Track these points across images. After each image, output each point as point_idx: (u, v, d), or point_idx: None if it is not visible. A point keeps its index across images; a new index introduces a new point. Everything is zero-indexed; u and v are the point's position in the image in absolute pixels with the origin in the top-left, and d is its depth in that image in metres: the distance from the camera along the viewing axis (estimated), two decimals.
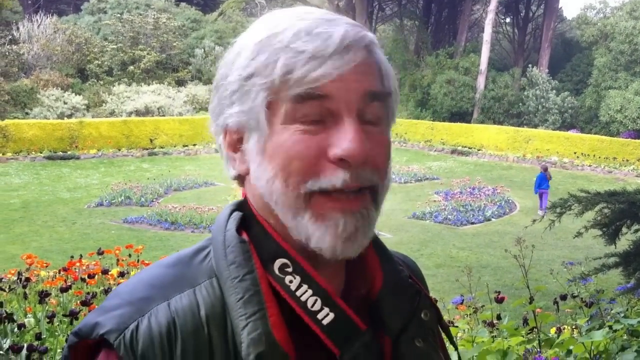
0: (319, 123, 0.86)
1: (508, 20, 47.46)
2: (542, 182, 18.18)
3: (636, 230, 3.48)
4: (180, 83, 36.15)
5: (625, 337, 3.33)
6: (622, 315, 3.71)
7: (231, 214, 0.94)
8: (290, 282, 0.88)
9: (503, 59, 44.33)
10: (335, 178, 0.85)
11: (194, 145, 28.77)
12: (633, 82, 32.20)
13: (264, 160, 0.87)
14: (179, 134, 29.04)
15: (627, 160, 26.31)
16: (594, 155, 26.97)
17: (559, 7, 42.55)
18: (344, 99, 0.86)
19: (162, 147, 28.36)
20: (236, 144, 0.91)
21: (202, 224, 15.30)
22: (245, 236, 0.90)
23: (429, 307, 0.99)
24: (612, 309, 4.01)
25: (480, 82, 36.33)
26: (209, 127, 0.97)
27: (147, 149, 28.04)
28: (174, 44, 37.36)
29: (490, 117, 35.69)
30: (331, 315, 0.87)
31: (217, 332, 0.85)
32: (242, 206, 0.96)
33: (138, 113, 31.30)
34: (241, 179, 0.95)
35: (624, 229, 3.40)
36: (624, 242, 3.87)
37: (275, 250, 0.89)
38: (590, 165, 26.44)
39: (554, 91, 34.82)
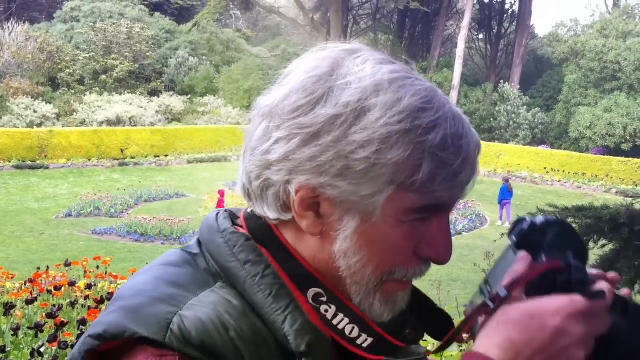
0: (422, 221, 0.87)
1: (481, 36, 48.05)
2: (504, 193, 18.63)
3: (603, 246, 3.51)
4: (153, 93, 35.91)
5: None
6: None
7: (218, 215, 0.95)
8: (326, 311, 0.89)
9: (475, 74, 44.81)
10: (418, 271, 0.89)
11: (166, 156, 28.53)
12: (602, 99, 32.73)
13: (360, 241, 0.86)
14: (151, 145, 28.78)
15: (596, 176, 26.68)
16: (564, 171, 27.31)
17: (531, 24, 43.19)
18: (451, 207, 0.90)
19: (133, 158, 28.10)
20: (311, 205, 0.86)
21: (172, 236, 15.14)
22: (242, 230, 0.91)
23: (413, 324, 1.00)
24: None
25: (453, 97, 36.64)
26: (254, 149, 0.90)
27: (117, 159, 27.75)
28: (147, 53, 37.11)
29: None
30: (370, 340, 0.89)
31: (259, 321, 0.84)
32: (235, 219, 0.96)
33: (109, 123, 30.97)
34: (281, 221, 0.91)
35: (591, 244, 3.43)
36: (591, 257, 3.91)
37: (308, 279, 0.89)
38: (559, 181, 26.77)
39: (525, 107, 35.25)
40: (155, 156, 28.49)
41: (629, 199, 3.74)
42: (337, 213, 0.86)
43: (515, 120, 34.82)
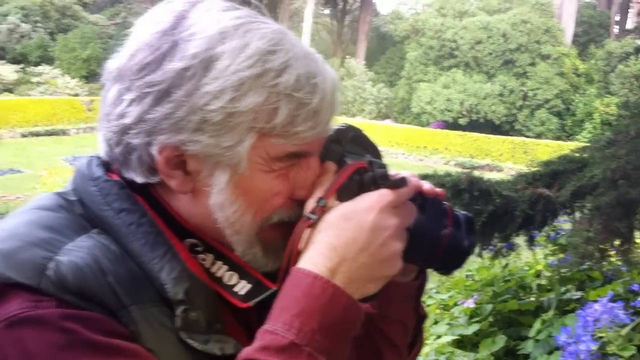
0: (293, 165, 0.89)
1: (327, 11, 48.75)
2: None
3: None
4: None
5: (437, 311, 3.47)
6: (434, 291, 3.87)
7: (90, 162, 0.92)
8: (204, 260, 0.90)
9: (323, 49, 45.46)
10: (293, 213, 0.90)
11: None
12: (441, 76, 34.35)
13: (235, 193, 0.87)
14: None
15: (436, 149, 28.08)
16: (407, 144, 28.49)
17: (374, 1, 44.44)
18: (319, 145, 0.92)
19: None
20: (177, 164, 0.86)
21: (7, 214, 14.12)
22: (115, 177, 0.89)
23: None
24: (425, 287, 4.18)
25: None
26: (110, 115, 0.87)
27: None
28: None
29: None
30: (248, 286, 0.90)
31: (137, 268, 0.84)
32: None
33: None
34: (149, 184, 0.89)
35: None
36: None
37: (183, 233, 0.89)
38: (403, 154, 27.89)
39: (370, 82, 36.28)
40: None
41: (467, 170, 3.89)
42: (205, 169, 0.84)
43: (361, 95, 35.75)
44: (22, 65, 32.49)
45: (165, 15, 0.86)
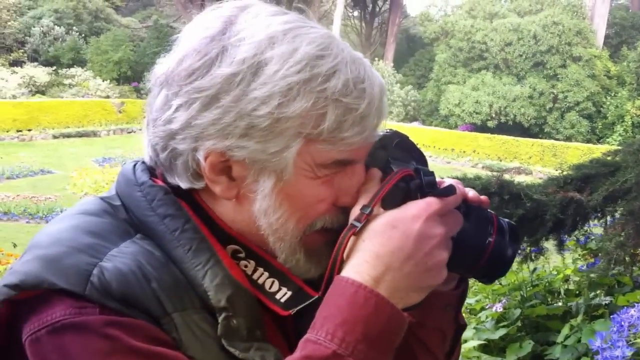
0: (338, 172, 0.88)
1: (356, 13, 48.74)
2: None
3: None
4: (15, 64, 33.68)
5: (464, 315, 3.44)
6: None
7: (135, 167, 0.92)
8: (246, 266, 0.89)
9: None
10: (337, 220, 0.89)
11: (29, 130, 26.80)
12: (470, 78, 34.12)
13: (279, 198, 0.86)
14: (13, 118, 26.92)
15: (464, 152, 27.90)
16: (434, 146, 28.35)
17: (403, 3, 44.26)
18: (364, 152, 0.91)
19: None
20: (223, 169, 0.85)
21: (38, 214, 14.31)
22: (160, 182, 0.89)
23: None
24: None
25: None
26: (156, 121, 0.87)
27: None
28: (9, 22, 34.73)
29: None
30: (289, 293, 0.89)
31: (180, 274, 0.84)
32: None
33: None
34: (193, 190, 0.89)
35: None
36: None
37: (226, 238, 0.89)
38: (431, 156, 27.77)
39: (399, 84, 36.19)
40: (18, 130, 26.70)
41: (495, 173, 3.86)
42: (251, 174, 0.84)
43: (389, 97, 35.67)
44: (54, 68, 32.96)
45: (213, 21, 0.86)
